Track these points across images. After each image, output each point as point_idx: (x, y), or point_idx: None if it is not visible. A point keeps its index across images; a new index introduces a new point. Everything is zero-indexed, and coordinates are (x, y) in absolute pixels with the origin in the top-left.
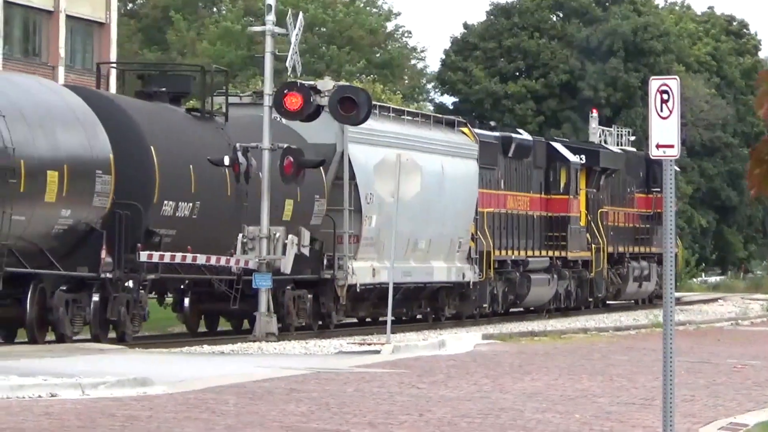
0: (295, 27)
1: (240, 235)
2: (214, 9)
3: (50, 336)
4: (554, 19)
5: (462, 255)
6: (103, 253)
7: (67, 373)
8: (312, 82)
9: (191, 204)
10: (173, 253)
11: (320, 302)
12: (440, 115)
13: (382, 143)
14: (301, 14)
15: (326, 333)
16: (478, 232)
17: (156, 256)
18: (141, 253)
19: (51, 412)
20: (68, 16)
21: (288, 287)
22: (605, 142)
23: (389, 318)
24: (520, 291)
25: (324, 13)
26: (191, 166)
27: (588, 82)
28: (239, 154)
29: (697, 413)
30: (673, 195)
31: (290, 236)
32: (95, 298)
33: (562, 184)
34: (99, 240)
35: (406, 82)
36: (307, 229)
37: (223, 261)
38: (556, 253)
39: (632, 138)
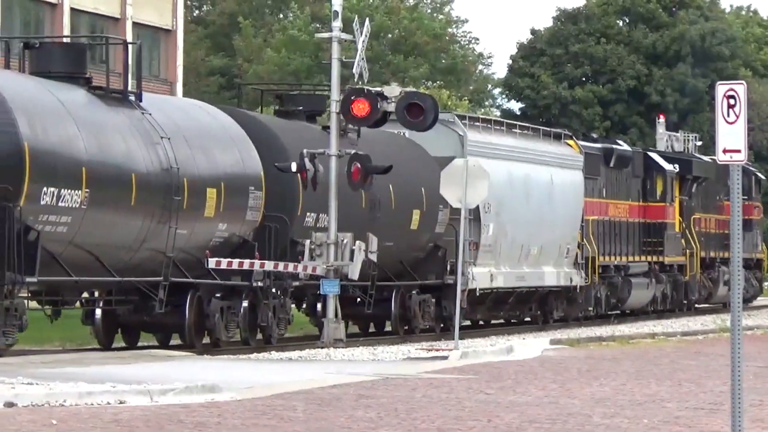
0: (361, 33)
1: (308, 241)
2: (281, 15)
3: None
4: (621, 24)
5: (570, 260)
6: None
7: (136, 380)
8: (379, 89)
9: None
10: (249, 260)
11: (442, 306)
12: (547, 129)
13: (498, 156)
14: (367, 20)
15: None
16: (584, 239)
17: (224, 263)
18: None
19: (120, 419)
20: (135, 23)
21: (414, 291)
22: (672, 147)
23: (457, 323)
24: (622, 294)
25: (389, 20)
26: None
27: (655, 87)
28: (306, 160)
29: (766, 418)
30: (740, 199)
31: (358, 242)
32: (245, 304)
33: (658, 192)
34: (251, 251)
35: (472, 87)
36: (428, 235)
37: (291, 267)
38: (654, 258)
39: (699, 143)
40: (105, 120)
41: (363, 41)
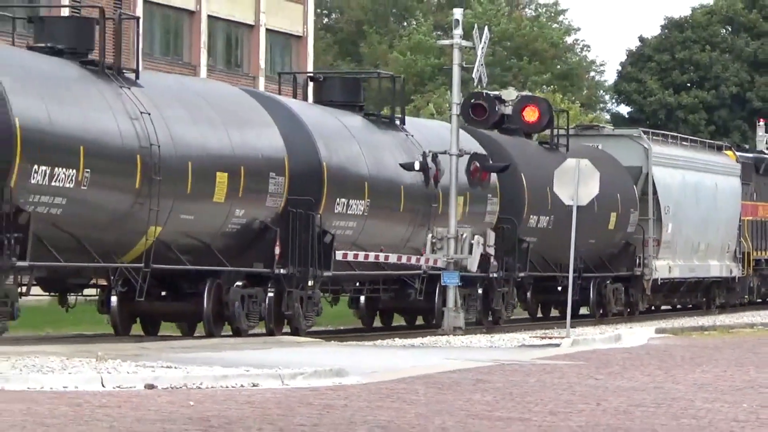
0: (481, 40)
1: (429, 235)
2: (404, 23)
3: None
4: (724, 32)
5: (730, 255)
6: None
7: (268, 365)
8: (497, 92)
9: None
10: (366, 252)
11: (629, 293)
12: (709, 141)
13: (675, 165)
14: (486, 28)
15: (600, 321)
16: (741, 237)
17: (351, 255)
18: (337, 252)
19: (253, 401)
20: (268, 30)
21: (608, 281)
22: (738, 145)
23: (568, 312)
24: None
25: (512, 27)
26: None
27: (757, 93)
28: (428, 159)
29: None
30: None
31: (476, 237)
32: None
33: None
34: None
35: (585, 92)
36: (622, 233)
37: (413, 260)
38: None
39: None
40: (379, 140)
41: (482, 48)
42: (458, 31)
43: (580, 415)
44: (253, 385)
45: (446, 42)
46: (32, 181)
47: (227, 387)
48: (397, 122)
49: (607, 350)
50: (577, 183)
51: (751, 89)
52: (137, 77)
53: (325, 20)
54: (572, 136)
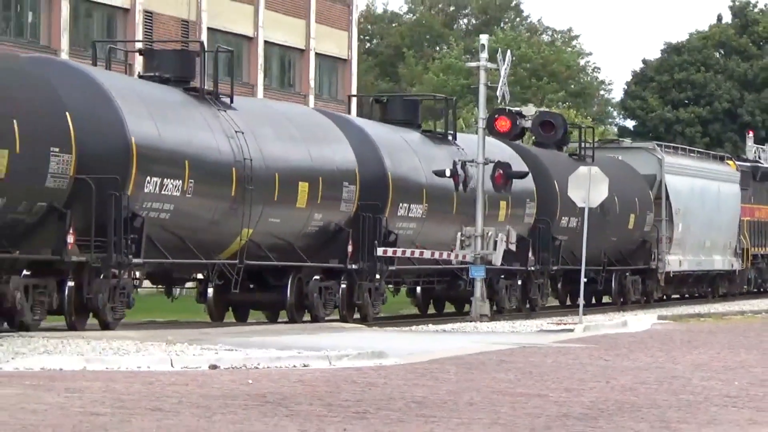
0: (504, 63)
1: (458, 233)
2: (437, 48)
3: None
4: (717, 56)
5: (731, 251)
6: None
7: (317, 347)
8: (518, 108)
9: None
10: (407, 249)
11: (646, 284)
12: (713, 152)
13: (685, 173)
14: (508, 52)
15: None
16: (740, 235)
17: (389, 252)
18: (378, 248)
19: (304, 379)
20: (317, 54)
21: (627, 273)
22: (759, 157)
23: (581, 302)
24: (766, 276)
25: (531, 51)
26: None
27: (746, 108)
28: (458, 167)
29: None
30: None
31: (500, 234)
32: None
33: None
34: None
35: (595, 108)
36: (639, 232)
37: (445, 255)
38: None
39: None
40: (434, 153)
41: (505, 69)
42: (484, 55)
43: (591, 392)
44: (304, 366)
45: (474, 64)
46: (145, 191)
47: (281, 367)
48: (450, 137)
49: (615, 335)
50: (588, 187)
51: (741, 105)
52: (231, 101)
53: (367, 45)
54: (597, 149)
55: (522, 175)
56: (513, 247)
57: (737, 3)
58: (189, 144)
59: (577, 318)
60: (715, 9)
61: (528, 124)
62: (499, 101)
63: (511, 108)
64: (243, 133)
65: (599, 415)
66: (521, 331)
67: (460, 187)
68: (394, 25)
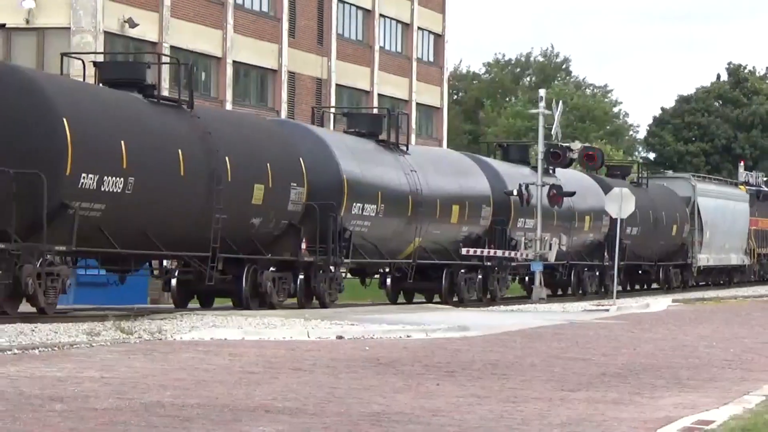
0: (557, 110)
1: (522, 237)
2: (508, 98)
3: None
4: (717, 104)
5: (742, 251)
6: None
7: (417, 322)
8: (567, 144)
9: None
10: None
11: (683, 275)
12: (729, 180)
13: (711, 195)
14: (561, 102)
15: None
16: (749, 239)
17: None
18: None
19: (407, 347)
20: (417, 104)
21: (671, 267)
22: (748, 182)
23: (614, 289)
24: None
25: (578, 101)
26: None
27: (739, 144)
28: (523, 188)
29: None
30: None
31: (554, 238)
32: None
33: None
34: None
35: (625, 144)
36: (679, 238)
37: (512, 254)
38: None
39: (766, 179)
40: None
41: (558, 115)
42: (542, 104)
43: (622, 356)
44: (407, 336)
45: (535, 111)
46: (352, 212)
47: (390, 337)
48: (551, 171)
49: (640, 314)
50: (621, 203)
51: (735, 142)
52: (407, 149)
53: (455, 96)
54: (650, 178)
55: (570, 194)
56: (564, 248)
57: (732, 65)
58: (381, 179)
59: (612, 301)
60: (715, 69)
61: (575, 156)
62: (553, 138)
63: (562, 143)
64: (416, 171)
65: (629, 374)
66: (570, 311)
67: (524, 203)
68: (474, 82)
